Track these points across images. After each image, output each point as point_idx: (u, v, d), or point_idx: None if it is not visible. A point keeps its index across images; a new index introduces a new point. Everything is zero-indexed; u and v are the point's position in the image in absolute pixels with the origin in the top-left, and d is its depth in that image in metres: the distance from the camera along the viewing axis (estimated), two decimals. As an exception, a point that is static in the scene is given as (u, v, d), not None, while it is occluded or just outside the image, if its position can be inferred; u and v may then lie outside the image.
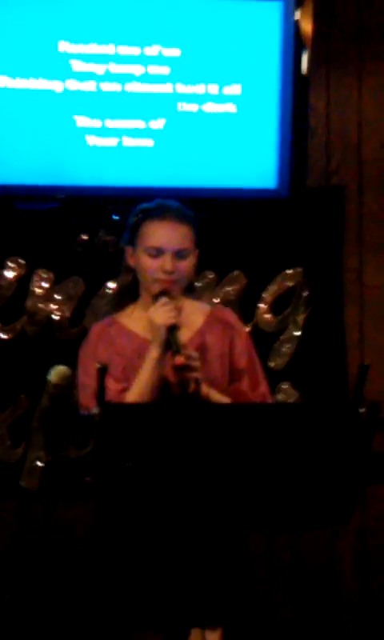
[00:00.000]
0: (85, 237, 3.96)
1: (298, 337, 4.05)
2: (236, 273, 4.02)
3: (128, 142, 3.79)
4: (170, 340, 2.80)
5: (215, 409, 2.67)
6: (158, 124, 3.79)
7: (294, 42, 3.81)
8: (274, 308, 4.05)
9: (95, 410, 2.49)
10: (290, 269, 4.06)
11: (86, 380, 2.89)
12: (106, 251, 3.96)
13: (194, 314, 3.00)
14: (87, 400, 2.85)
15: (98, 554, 2.89)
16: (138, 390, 2.84)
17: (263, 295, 4.03)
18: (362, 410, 2.49)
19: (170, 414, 2.56)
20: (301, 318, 4.05)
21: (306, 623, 4.05)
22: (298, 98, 3.84)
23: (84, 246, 3.96)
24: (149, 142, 3.79)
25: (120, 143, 3.79)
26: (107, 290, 3.95)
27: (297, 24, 3.80)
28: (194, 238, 2.94)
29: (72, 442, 3.86)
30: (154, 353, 2.83)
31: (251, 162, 3.86)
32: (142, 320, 2.92)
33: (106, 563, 2.86)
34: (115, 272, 3.91)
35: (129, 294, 3.01)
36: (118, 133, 3.78)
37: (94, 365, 2.86)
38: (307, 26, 3.82)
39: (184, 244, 2.90)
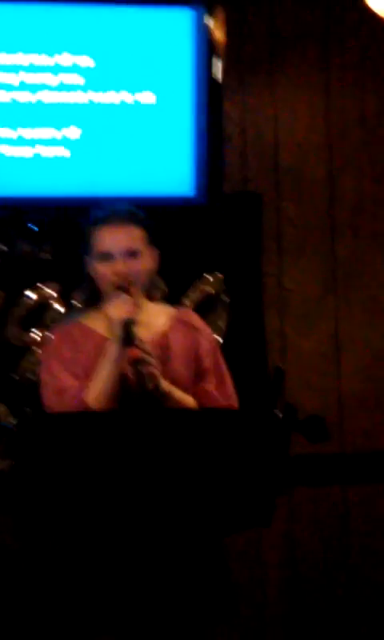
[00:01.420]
0: (2, 247, 3.94)
1: (219, 343, 4.06)
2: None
3: (43, 151, 3.78)
4: (127, 335, 2.80)
5: (132, 417, 2.68)
6: (72, 133, 3.79)
7: (207, 49, 3.84)
8: (195, 315, 4.05)
9: (12, 421, 2.48)
10: (209, 275, 4.08)
11: (48, 379, 2.88)
12: (25, 261, 3.95)
13: (158, 316, 3.00)
14: (49, 400, 2.86)
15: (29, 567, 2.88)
16: (96, 387, 2.82)
17: (184, 302, 4.04)
18: (277, 412, 2.53)
19: (90, 423, 2.57)
20: (222, 325, 4.06)
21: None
22: (212, 104, 3.87)
23: (2, 256, 3.94)
24: (65, 152, 3.79)
25: (36, 153, 3.78)
26: (27, 300, 3.94)
27: (209, 31, 3.83)
28: (147, 237, 2.94)
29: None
30: (111, 348, 2.83)
31: (167, 169, 3.88)
32: (103, 320, 2.91)
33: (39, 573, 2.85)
34: (33, 281, 3.96)
35: (93, 300, 3.00)
36: (33, 143, 3.78)
37: (56, 364, 2.88)
38: (219, 34, 3.84)
39: (133, 244, 2.90)
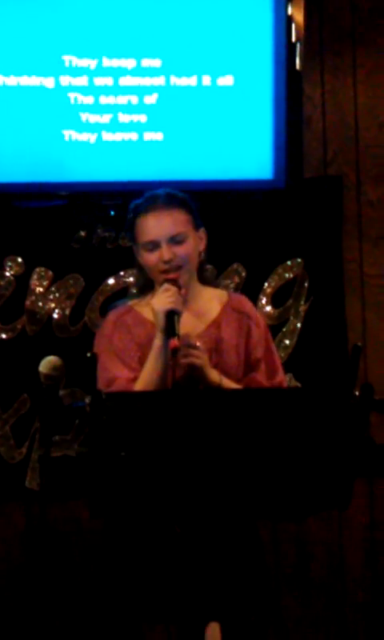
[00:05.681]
0: (83, 234, 3.94)
1: (299, 328, 4.02)
2: (235, 265, 4.00)
3: (122, 136, 3.78)
4: (168, 326, 2.77)
5: (207, 395, 2.66)
6: (151, 118, 3.78)
7: (287, 32, 3.80)
8: (275, 300, 4.02)
9: (86, 400, 2.47)
10: (289, 260, 4.03)
11: (98, 368, 2.80)
12: (104, 247, 3.95)
13: (211, 303, 2.98)
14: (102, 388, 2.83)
15: (105, 549, 2.87)
16: (144, 379, 2.82)
17: (264, 287, 4.01)
18: (355, 391, 2.48)
19: (163, 401, 2.55)
20: (302, 310, 4.02)
21: (311, 616, 4.02)
22: (292, 87, 3.83)
23: (82, 242, 3.95)
24: (144, 135, 3.78)
25: (107, 137, 3.78)
26: (106, 287, 3.94)
27: (289, 14, 3.79)
28: (191, 219, 2.91)
29: (73, 439, 3.86)
30: (156, 340, 2.82)
31: (247, 153, 3.84)
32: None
33: (112, 556, 2.84)
34: (114, 268, 3.96)
35: (146, 288, 2.99)
36: (102, 127, 3.77)
37: (108, 353, 2.87)
38: (299, 17, 3.80)
39: (177, 229, 2.87)
